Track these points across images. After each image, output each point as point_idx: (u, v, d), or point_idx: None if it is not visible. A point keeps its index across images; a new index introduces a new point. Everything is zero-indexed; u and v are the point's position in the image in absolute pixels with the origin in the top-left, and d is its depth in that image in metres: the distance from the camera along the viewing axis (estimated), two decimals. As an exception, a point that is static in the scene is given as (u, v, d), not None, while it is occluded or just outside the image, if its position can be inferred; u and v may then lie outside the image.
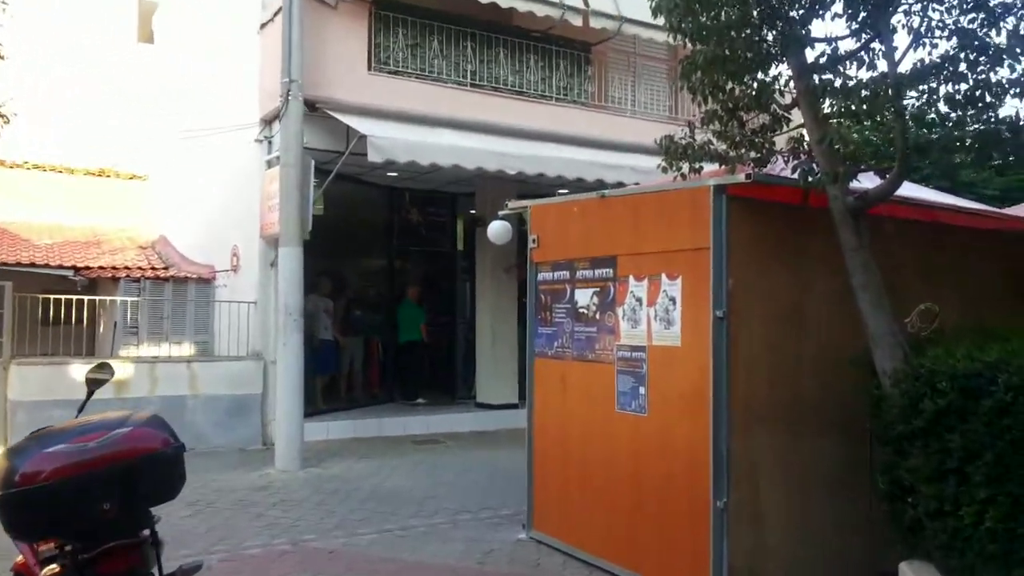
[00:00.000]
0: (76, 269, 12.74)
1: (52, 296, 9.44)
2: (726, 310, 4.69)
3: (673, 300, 5.04)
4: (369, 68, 9.79)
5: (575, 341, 5.85)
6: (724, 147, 5.34)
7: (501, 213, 6.71)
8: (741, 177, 4.69)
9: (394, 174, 11.44)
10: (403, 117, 9.65)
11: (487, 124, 10.17)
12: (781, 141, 5.14)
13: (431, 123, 9.80)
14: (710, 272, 4.74)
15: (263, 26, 10.07)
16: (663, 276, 5.13)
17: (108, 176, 16.97)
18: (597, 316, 5.66)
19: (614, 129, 11.08)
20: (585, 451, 5.70)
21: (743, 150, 5.26)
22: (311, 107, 9.30)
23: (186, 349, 11.88)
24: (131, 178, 17.06)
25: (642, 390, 5.23)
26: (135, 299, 11.52)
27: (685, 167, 5.38)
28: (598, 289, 5.66)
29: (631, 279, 5.38)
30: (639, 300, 5.30)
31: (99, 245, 14.71)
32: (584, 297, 5.79)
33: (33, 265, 12.81)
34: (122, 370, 9.35)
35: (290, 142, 8.58)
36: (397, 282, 13.12)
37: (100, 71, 17.64)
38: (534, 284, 6.29)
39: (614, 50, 11.73)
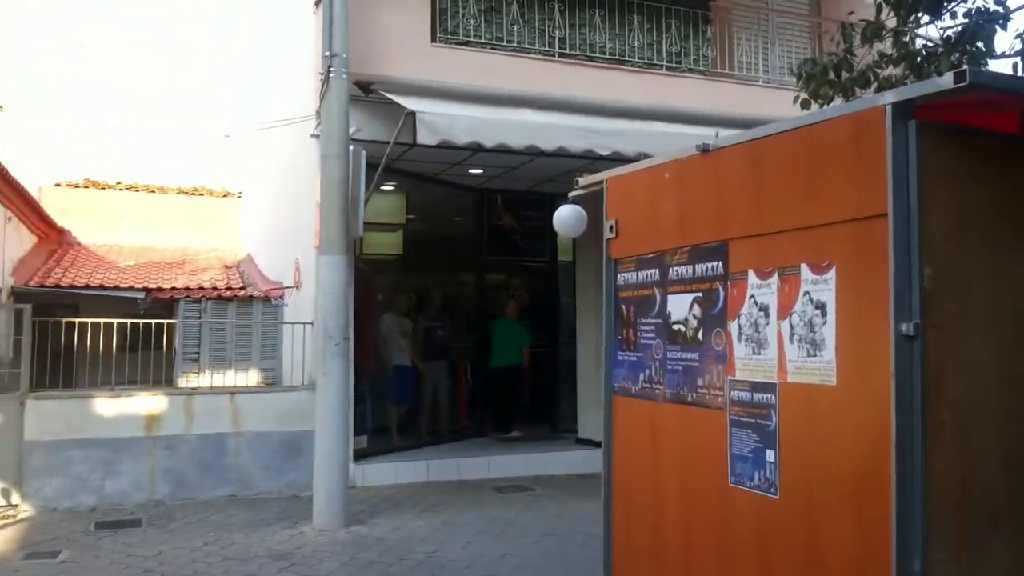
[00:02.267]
0: (148, 291, 11.79)
1: (78, 320, 8.29)
2: (920, 322, 2.64)
3: (821, 308, 3.02)
4: (433, 39, 8.16)
5: (668, 373, 3.88)
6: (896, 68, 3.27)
7: (572, 194, 4.84)
8: (944, 81, 2.62)
9: (479, 171, 9.77)
10: (474, 97, 7.95)
11: (579, 101, 8.30)
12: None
13: (510, 102, 8.04)
14: (889, 257, 2.71)
15: (317, 3, 8.64)
16: (804, 269, 3.12)
17: (201, 194, 16.23)
18: (699, 336, 3.68)
19: (742, 101, 8.92)
20: (688, 539, 3.70)
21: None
22: (365, 89, 7.74)
23: (252, 377, 10.59)
24: (224, 195, 16.27)
25: (770, 455, 3.20)
26: (195, 321, 10.32)
27: (839, 101, 3.35)
28: (700, 294, 3.69)
29: (751, 276, 3.38)
30: (764, 310, 3.30)
31: (183, 266, 13.83)
32: (680, 307, 3.82)
33: (102, 288, 11.96)
34: (152, 403, 8.06)
35: (332, 128, 7.03)
36: (487, 298, 11.40)
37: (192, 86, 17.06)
38: (612, 291, 4.36)
39: (740, 5, 9.61)
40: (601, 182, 4.46)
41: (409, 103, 7.32)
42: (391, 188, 10.18)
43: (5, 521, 7.22)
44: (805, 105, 3.57)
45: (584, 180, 4.64)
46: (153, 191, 15.81)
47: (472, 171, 9.69)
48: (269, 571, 5.89)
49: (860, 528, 2.76)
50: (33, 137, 15.92)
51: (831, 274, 2.99)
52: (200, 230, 15.66)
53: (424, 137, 7.07)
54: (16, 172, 12.54)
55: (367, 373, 9.78)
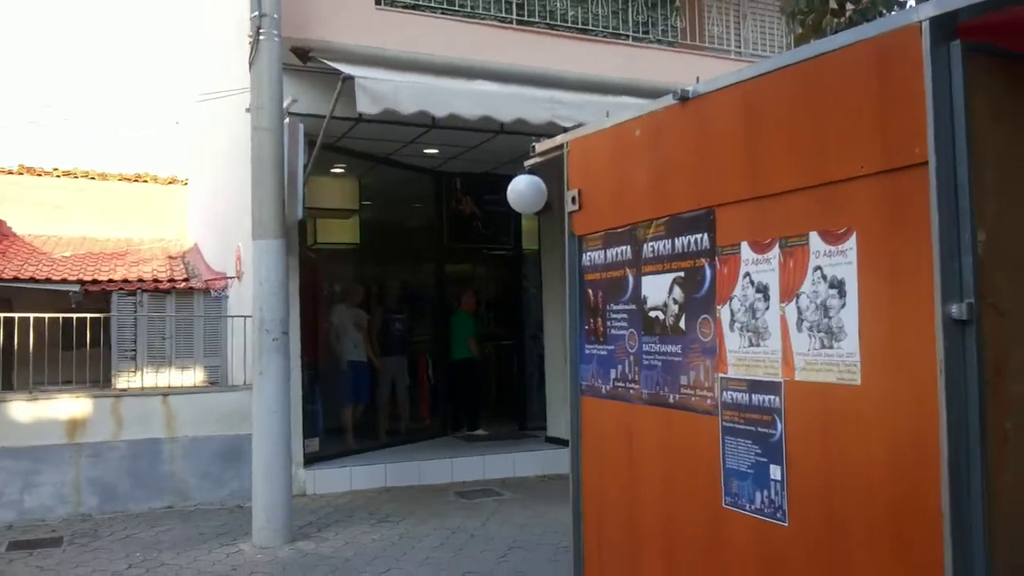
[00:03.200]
0: (82, 283, 10.94)
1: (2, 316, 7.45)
2: (975, 302, 2.02)
3: (839, 287, 2.39)
4: (378, 2, 7.42)
5: (645, 369, 3.25)
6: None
7: (528, 163, 4.18)
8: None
9: (434, 151, 9.06)
10: (423, 66, 7.22)
11: (539, 73, 7.61)
12: None
13: (462, 73, 7.33)
14: (932, 218, 2.08)
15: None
16: (813, 238, 2.49)
17: (145, 181, 15.32)
18: (682, 324, 3.04)
19: (714, 75, 8.30)
20: (672, 573, 3.06)
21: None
22: (302, 56, 7.00)
23: (197, 376, 9.82)
24: (170, 182, 15.37)
25: (775, 472, 2.57)
26: (130, 316, 9.53)
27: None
28: (682, 273, 3.05)
29: (745, 250, 2.75)
30: (762, 291, 2.68)
31: (124, 257, 12.97)
32: (657, 289, 3.18)
33: (33, 280, 11.09)
34: (75, 407, 7.28)
35: (263, 97, 6.27)
36: (449, 289, 10.70)
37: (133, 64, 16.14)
38: (576, 273, 3.71)
39: (710, -27, 9.00)
40: (561, 146, 3.81)
41: (349, 70, 6.59)
42: (341, 171, 9.44)
43: (-97, 544, 6.43)
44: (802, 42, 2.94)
45: (541, 145, 3.98)
46: (93, 178, 14.87)
47: (427, 151, 8.98)
48: (195, 599, 5.19)
49: (900, 565, 2.13)
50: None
51: (850, 243, 2.36)
52: (144, 219, 14.79)
53: (364, 105, 6.35)
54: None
55: (318, 370, 9.06)
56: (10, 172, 14.59)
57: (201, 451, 7.67)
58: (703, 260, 2.94)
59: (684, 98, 3.02)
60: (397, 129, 7.75)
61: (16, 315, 7.64)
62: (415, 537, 6.49)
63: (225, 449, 7.72)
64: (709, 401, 2.87)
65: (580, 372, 3.67)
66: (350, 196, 9.90)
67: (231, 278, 9.53)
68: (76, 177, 14.81)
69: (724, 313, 2.83)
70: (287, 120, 6.46)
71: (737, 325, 2.77)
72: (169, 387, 8.22)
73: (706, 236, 2.93)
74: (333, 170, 9.34)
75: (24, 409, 7.15)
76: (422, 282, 11.03)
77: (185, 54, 14.01)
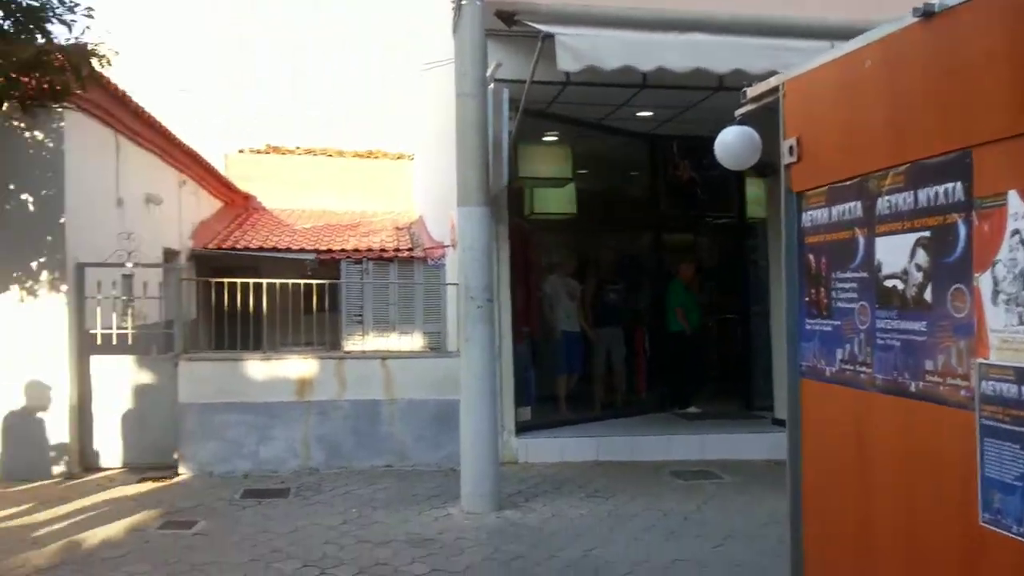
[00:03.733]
0: (316, 252, 11.71)
1: (227, 280, 8.02)
2: None
3: None
4: (589, -45, 7.04)
5: (880, 350, 2.71)
6: None
7: (738, 112, 3.68)
8: None
9: (647, 113, 8.61)
10: (633, 22, 6.66)
11: (760, 20, 6.86)
12: None
13: (675, 27, 6.75)
14: None
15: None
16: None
17: (376, 157, 16.14)
18: (927, 296, 2.48)
19: None
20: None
21: None
22: (507, 20, 6.80)
23: (417, 341, 10.17)
24: (398, 157, 16.08)
25: (1054, 487, 1.99)
26: (356, 282, 10.01)
27: None
28: (928, 232, 2.48)
29: (1013, 200, 2.15)
30: (1039, 252, 2.07)
31: (356, 228, 13.75)
32: (896, 253, 2.63)
33: (275, 250, 12.03)
34: (303, 367, 7.71)
35: (466, 63, 6.18)
36: (666, 259, 10.23)
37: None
38: (794, 236, 3.20)
39: None
40: (776, 89, 3.29)
41: (550, 29, 6.30)
42: (554, 139, 9.24)
43: (161, 484, 7.14)
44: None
45: (753, 89, 3.48)
46: (331, 155, 15.89)
47: (640, 114, 8.54)
48: (402, 559, 5.25)
49: None
50: (225, 107, 16.43)
51: None
52: (376, 193, 15.59)
53: (565, 63, 6.05)
54: (203, 141, 12.87)
55: (532, 339, 9.00)
56: (259, 152, 15.93)
57: (417, 414, 7.87)
58: (956, 216, 2.36)
59: (928, 14, 2.43)
60: (607, 92, 7.39)
61: (264, 281, 8.16)
62: (624, 516, 6.22)
63: (440, 413, 7.85)
64: (963, 392, 2.31)
65: (800, 351, 3.19)
66: (564, 164, 9.67)
67: (447, 247, 9.70)
68: (316, 155, 15.91)
69: (985, 282, 2.25)
70: (491, 86, 6.32)
71: (1003, 298, 2.19)
72: (388, 351, 8.50)
73: (960, 186, 2.35)
74: (545, 138, 9.16)
75: (258, 368, 7.68)
76: (638, 252, 10.64)
77: (415, 26, 14.46)
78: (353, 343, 9.87)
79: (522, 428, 8.11)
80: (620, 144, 9.69)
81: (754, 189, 10.02)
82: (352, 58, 16.90)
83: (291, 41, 16.92)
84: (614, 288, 9.99)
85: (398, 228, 13.77)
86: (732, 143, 3.72)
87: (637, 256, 10.64)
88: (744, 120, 3.71)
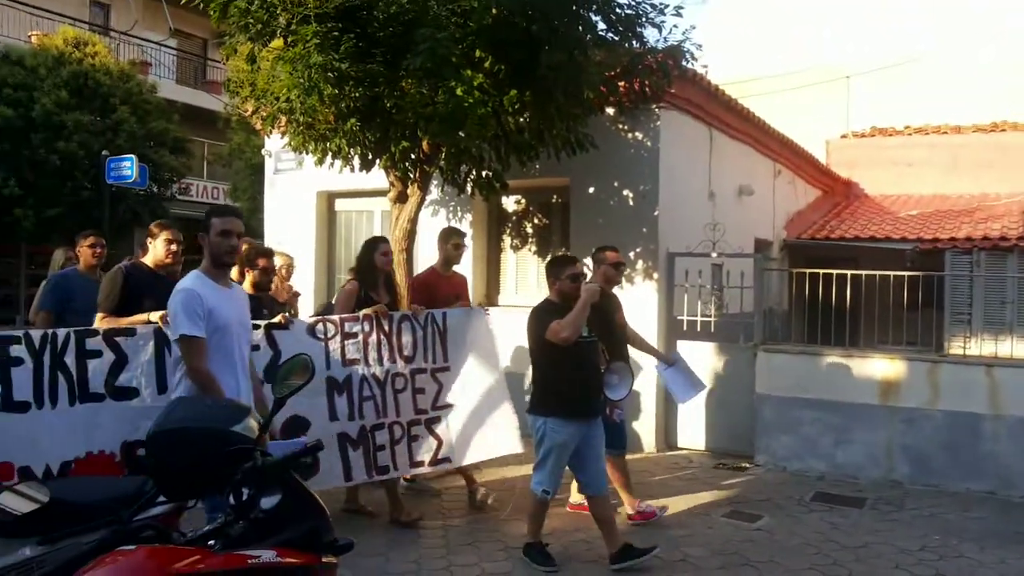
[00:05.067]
0: (919, 241, 10.56)
1: (810, 271, 7.60)
2: None
3: None
4: None
5: None
6: None
7: None
8: None
9: None
10: None
11: None
12: None
13: None
14: None
15: None
16: None
17: (1003, 130, 13.80)
18: None
19: None
20: None
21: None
22: None
23: (1038, 347, 8.41)
24: (1034, 128, 13.52)
25: None
26: (963, 276, 8.71)
27: None
28: None
29: None
30: None
31: (972, 214, 11.99)
32: None
33: (873, 239, 11.21)
34: (888, 368, 6.96)
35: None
36: None
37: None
38: None
39: None
40: None
41: None
42: None
43: (735, 472, 7.20)
44: None
45: None
46: (945, 132, 14.14)
47: None
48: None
49: None
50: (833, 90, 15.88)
51: None
52: (1000, 172, 13.36)
53: None
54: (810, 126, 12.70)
55: None
56: (863, 135, 15.01)
57: (1032, 436, 6.47)
58: None
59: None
60: None
61: (848, 272, 7.66)
62: None
63: (1064, 439, 6.33)
64: None
65: None
66: None
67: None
68: (927, 134, 14.35)
69: None
70: None
71: None
72: (995, 357, 7.18)
73: None
74: None
75: (838, 365, 7.18)
76: None
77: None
78: (956, 345, 8.60)
79: None
80: None
81: None
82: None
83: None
84: None
85: (1026, 212, 11.60)
86: None
87: None
88: None
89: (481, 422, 5.90)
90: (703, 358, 7.82)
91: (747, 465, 7.39)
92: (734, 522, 5.78)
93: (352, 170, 7.14)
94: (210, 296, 3.63)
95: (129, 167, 12.89)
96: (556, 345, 4.65)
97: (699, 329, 7.96)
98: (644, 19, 6.70)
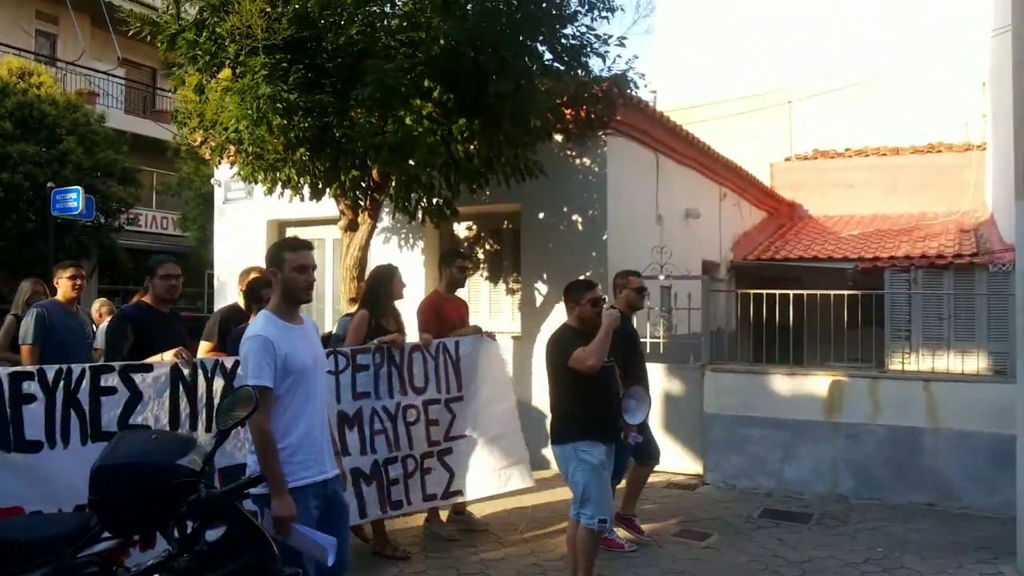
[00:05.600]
0: (858, 260, 10.89)
1: (754, 292, 7.83)
2: None
3: None
4: None
5: None
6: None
7: None
8: None
9: None
10: None
11: None
12: None
13: None
14: None
15: None
16: None
17: (938, 152, 14.32)
18: None
19: None
20: None
21: None
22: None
23: (978, 362, 8.71)
24: (965, 149, 14.03)
25: None
26: (901, 293, 9.00)
27: None
28: None
29: None
30: None
31: (911, 233, 12.40)
32: None
33: (815, 259, 11.51)
34: (831, 385, 7.16)
35: (1022, 23, 5.02)
36: None
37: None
38: None
39: None
40: None
41: None
42: None
43: (685, 491, 7.31)
44: None
45: None
46: (884, 154, 14.63)
47: None
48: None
49: None
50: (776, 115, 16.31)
51: None
52: (937, 192, 13.86)
53: None
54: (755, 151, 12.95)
55: None
56: (806, 158, 15.45)
57: (968, 448, 6.71)
58: None
59: None
60: None
61: (791, 292, 7.87)
62: None
63: (995, 450, 6.54)
64: None
65: None
66: None
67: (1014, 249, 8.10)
68: (867, 155, 14.81)
69: None
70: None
71: None
72: (932, 372, 7.43)
73: None
74: None
75: (783, 383, 7.37)
76: None
77: None
78: (896, 361, 8.89)
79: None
80: None
81: None
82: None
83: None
84: None
85: (963, 231, 12.04)
86: None
87: None
88: None
89: (493, 453, 5.85)
90: (653, 379, 7.89)
91: (697, 484, 7.51)
92: (684, 541, 5.88)
93: (302, 199, 7.17)
94: (283, 340, 3.37)
95: (75, 199, 12.70)
96: (576, 371, 4.50)
97: (648, 351, 8.09)
98: (589, 49, 6.89)
